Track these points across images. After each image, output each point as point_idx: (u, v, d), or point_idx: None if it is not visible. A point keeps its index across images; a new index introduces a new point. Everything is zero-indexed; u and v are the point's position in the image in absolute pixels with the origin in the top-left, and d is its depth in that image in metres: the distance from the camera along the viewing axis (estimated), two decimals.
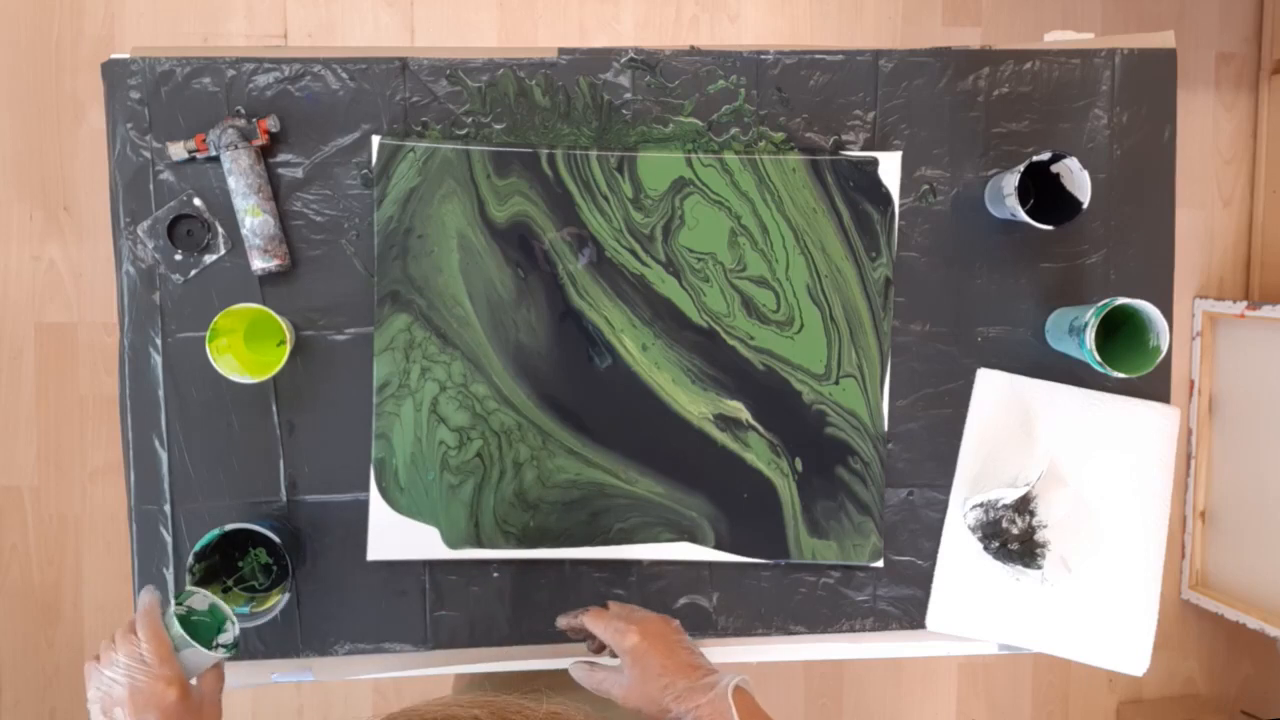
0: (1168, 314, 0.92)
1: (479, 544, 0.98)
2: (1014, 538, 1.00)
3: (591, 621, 0.85)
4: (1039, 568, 1.00)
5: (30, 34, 1.86)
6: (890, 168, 1.00)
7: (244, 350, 0.95)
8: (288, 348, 0.91)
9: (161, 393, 0.97)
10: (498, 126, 0.98)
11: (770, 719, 0.78)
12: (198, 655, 0.78)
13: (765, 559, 1.00)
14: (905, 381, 1.01)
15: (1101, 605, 1.01)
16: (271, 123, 0.95)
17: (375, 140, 0.97)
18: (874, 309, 1.00)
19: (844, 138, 1.00)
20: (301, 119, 0.97)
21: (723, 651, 1.01)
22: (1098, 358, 0.90)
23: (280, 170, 0.97)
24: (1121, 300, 0.89)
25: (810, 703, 1.97)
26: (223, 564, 0.94)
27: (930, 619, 1.02)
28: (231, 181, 0.94)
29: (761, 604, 1.01)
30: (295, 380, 0.98)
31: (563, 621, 0.91)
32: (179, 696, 0.74)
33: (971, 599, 1.01)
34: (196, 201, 0.97)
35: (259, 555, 0.94)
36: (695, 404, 0.99)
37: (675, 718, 0.78)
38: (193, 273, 0.97)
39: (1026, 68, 1.01)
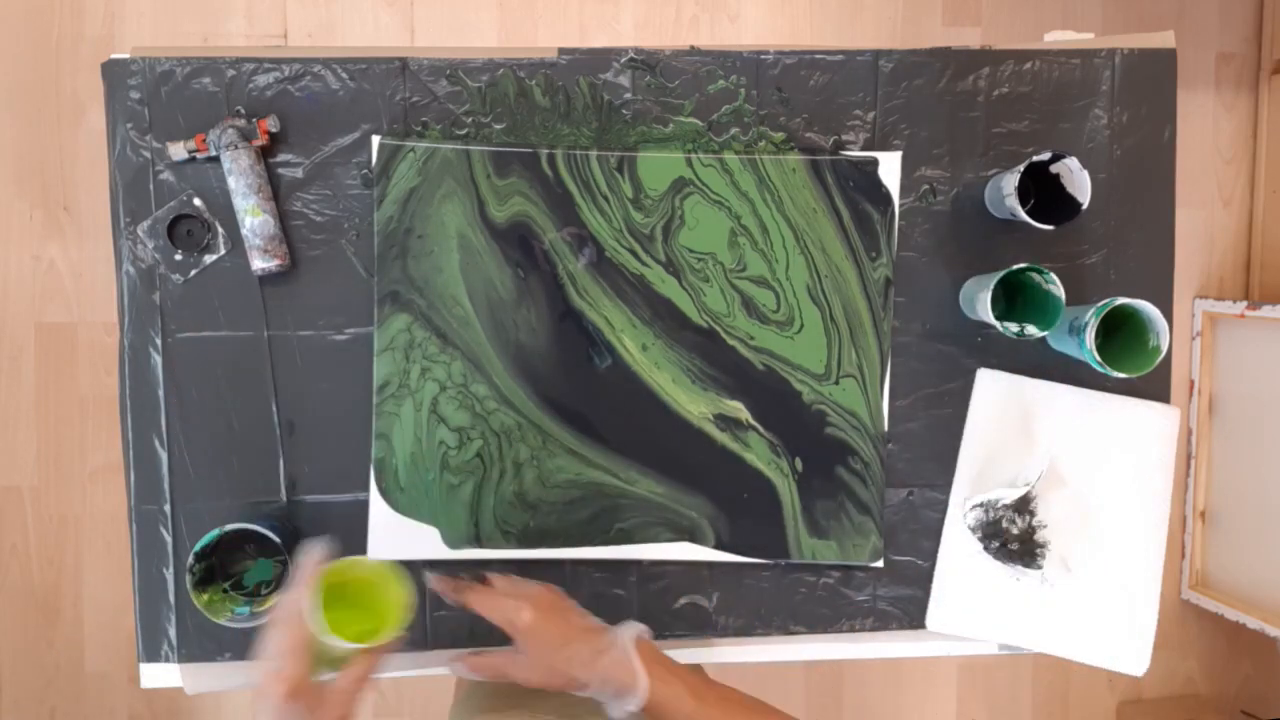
0: (1168, 314, 0.92)
1: (479, 544, 0.98)
2: (1014, 538, 1.00)
3: (478, 601, 0.82)
4: (1039, 568, 1.00)
5: (30, 34, 1.86)
6: (890, 168, 1.00)
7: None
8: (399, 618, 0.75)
9: (161, 393, 0.97)
10: (498, 126, 0.98)
11: (674, 662, 0.78)
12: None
13: (765, 559, 1.00)
14: (905, 381, 1.01)
15: (1101, 605, 1.01)
16: (271, 123, 0.95)
17: (375, 140, 0.97)
18: (874, 309, 1.00)
19: (844, 138, 1.00)
20: (301, 119, 0.97)
21: (723, 651, 1.01)
22: (1098, 358, 0.90)
23: (280, 170, 0.97)
24: (1121, 300, 0.89)
25: (810, 703, 1.97)
26: (221, 564, 0.94)
27: (930, 619, 1.02)
28: (231, 181, 0.94)
29: (761, 604, 1.01)
30: (295, 380, 0.98)
31: (437, 585, 0.85)
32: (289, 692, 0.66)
33: (971, 599, 1.01)
34: (196, 201, 0.97)
35: (261, 570, 0.94)
36: (695, 404, 0.99)
37: (583, 683, 0.77)
38: (193, 273, 0.97)
39: (1026, 68, 1.01)
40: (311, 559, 0.71)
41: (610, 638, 0.78)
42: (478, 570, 0.99)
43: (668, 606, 1.00)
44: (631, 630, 0.78)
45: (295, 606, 0.69)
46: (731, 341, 0.99)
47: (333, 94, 0.97)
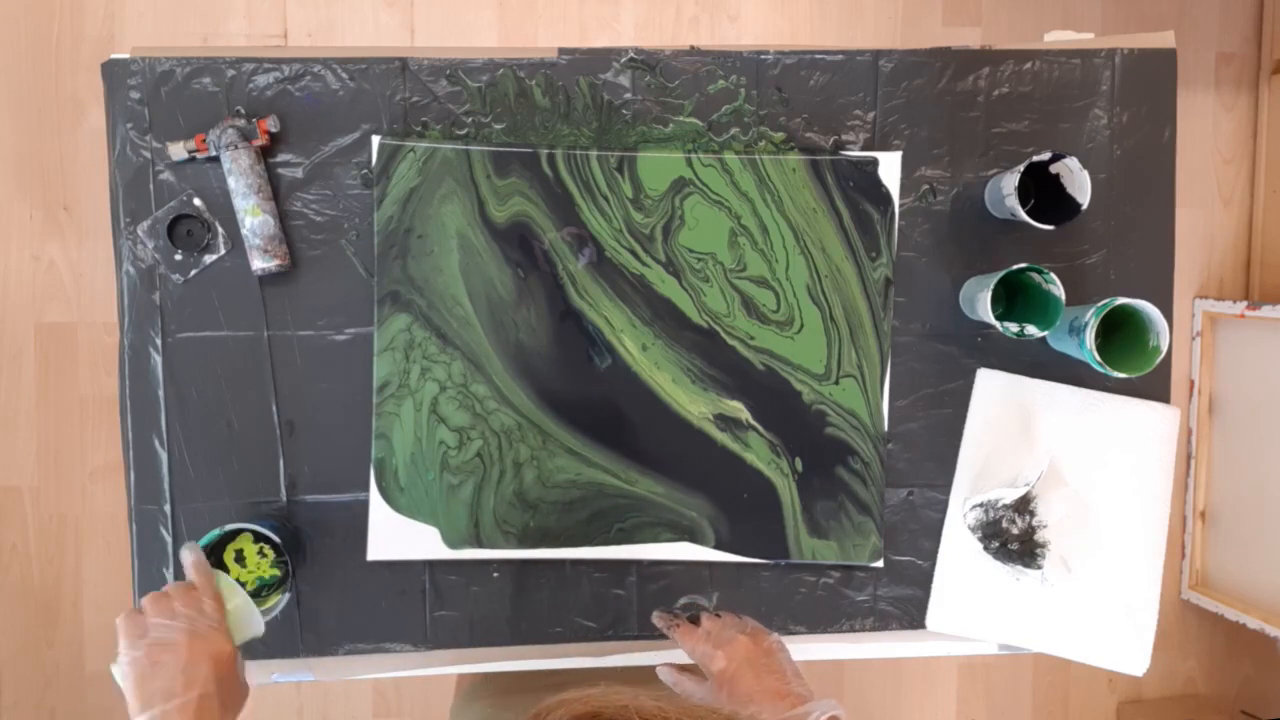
0: (1168, 314, 0.92)
1: (479, 544, 0.98)
2: (1014, 538, 1.00)
3: (681, 639, 0.87)
4: (1039, 568, 1.00)
5: (30, 34, 1.86)
6: (890, 168, 1.00)
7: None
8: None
9: (161, 393, 0.97)
10: (498, 126, 0.98)
11: None
12: (250, 620, 0.80)
13: (765, 559, 1.00)
14: (905, 381, 1.01)
15: (1101, 605, 1.01)
16: (271, 123, 0.95)
17: (375, 140, 0.97)
18: (874, 309, 1.00)
19: (844, 138, 1.00)
20: (301, 119, 0.97)
21: None
22: (1098, 358, 0.90)
23: (280, 170, 0.97)
24: (1121, 300, 0.89)
25: None
26: (220, 564, 0.94)
27: (930, 619, 1.02)
28: (231, 181, 0.94)
29: (761, 604, 1.01)
30: (295, 380, 0.98)
31: (659, 621, 0.93)
32: (232, 653, 0.76)
33: (971, 599, 1.01)
34: (196, 201, 0.97)
35: (262, 569, 0.94)
36: (695, 404, 0.99)
37: None
38: (193, 273, 0.97)
39: (1026, 68, 1.01)
40: (194, 558, 0.81)
41: (799, 711, 0.75)
42: (488, 571, 0.99)
43: (668, 606, 1.00)
44: (824, 709, 0.74)
45: (212, 580, 0.80)
46: (731, 341, 0.99)
47: (333, 94, 0.97)
